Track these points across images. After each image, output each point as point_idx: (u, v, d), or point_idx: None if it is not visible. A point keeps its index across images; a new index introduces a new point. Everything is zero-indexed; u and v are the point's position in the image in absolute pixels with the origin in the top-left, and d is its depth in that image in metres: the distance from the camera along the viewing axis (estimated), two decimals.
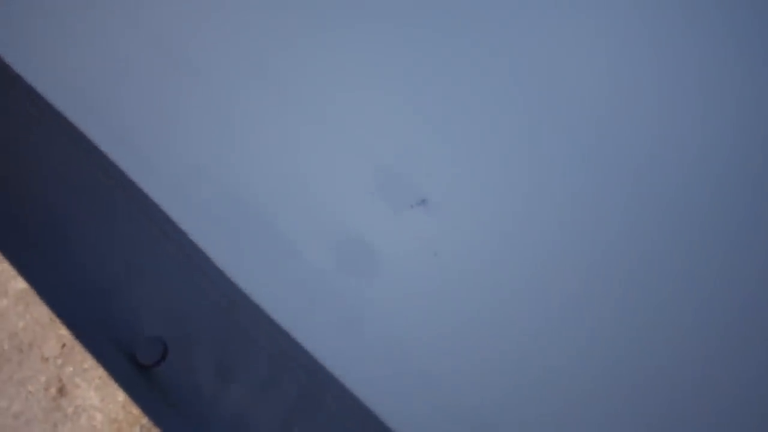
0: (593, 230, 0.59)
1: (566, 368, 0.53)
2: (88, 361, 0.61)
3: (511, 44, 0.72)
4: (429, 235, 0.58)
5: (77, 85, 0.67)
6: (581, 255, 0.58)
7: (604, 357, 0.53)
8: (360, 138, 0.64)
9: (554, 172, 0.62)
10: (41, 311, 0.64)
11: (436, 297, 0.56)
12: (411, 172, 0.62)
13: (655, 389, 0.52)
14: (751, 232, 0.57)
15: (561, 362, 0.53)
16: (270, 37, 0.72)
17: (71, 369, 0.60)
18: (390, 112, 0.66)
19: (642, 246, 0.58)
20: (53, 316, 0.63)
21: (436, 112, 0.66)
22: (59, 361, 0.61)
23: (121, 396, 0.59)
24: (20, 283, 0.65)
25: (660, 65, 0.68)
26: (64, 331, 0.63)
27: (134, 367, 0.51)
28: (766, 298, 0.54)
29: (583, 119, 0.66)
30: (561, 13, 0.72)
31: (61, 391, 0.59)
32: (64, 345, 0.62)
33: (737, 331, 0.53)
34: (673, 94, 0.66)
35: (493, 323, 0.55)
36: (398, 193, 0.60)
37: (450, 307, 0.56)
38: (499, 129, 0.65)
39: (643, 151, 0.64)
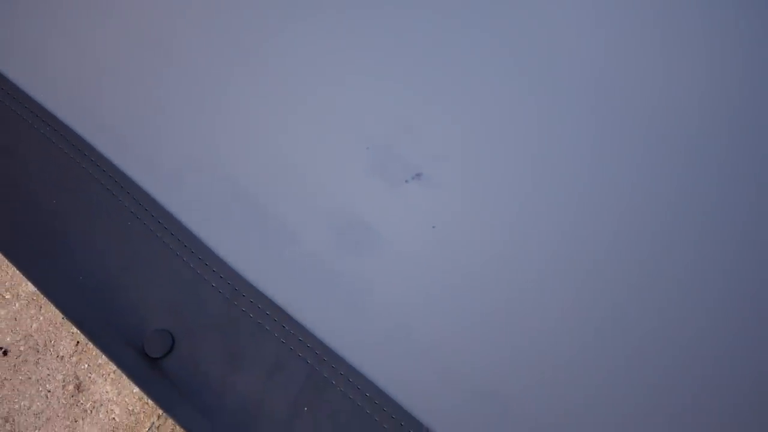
0: (588, 195, 0.59)
1: (567, 334, 0.53)
2: (102, 357, 0.62)
3: (505, 15, 0.70)
4: (426, 208, 0.58)
5: (65, 85, 0.67)
6: (579, 223, 0.57)
7: (603, 320, 0.53)
8: (351, 116, 0.63)
9: (550, 139, 0.62)
10: (53, 311, 0.65)
11: (436, 269, 0.56)
12: (404, 147, 0.61)
13: (665, 360, 0.52)
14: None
15: (562, 328, 0.53)
16: (256, 18, 0.72)
17: (86, 366, 0.62)
18: (379, 88, 0.66)
19: (647, 218, 0.58)
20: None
21: (426, 85, 0.66)
22: (74, 359, 0.62)
23: (136, 389, 0.61)
24: (31, 286, 0.67)
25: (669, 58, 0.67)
26: (76, 329, 0.64)
27: (144, 360, 0.52)
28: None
29: (580, 85, 0.65)
30: None
31: (79, 387, 0.61)
32: (77, 343, 0.63)
33: (748, 328, 0.53)
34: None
35: (494, 292, 0.55)
36: (392, 168, 0.60)
37: (451, 280, 0.56)
38: (491, 99, 0.64)
39: (647, 121, 0.63)
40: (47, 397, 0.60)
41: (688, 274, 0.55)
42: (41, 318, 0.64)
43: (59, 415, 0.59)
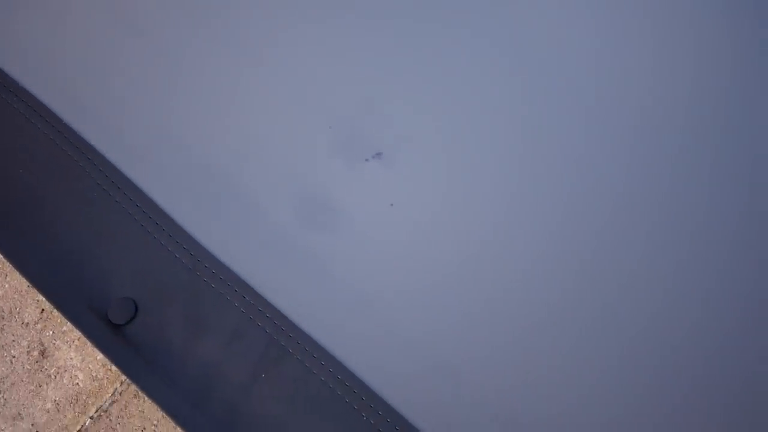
0: (553, 178, 0.61)
1: (524, 308, 0.55)
2: (67, 324, 0.64)
3: None
4: (385, 186, 0.61)
5: (35, 56, 0.68)
6: (542, 203, 0.60)
7: (574, 302, 0.56)
8: (315, 95, 0.65)
9: (514, 122, 0.64)
10: (18, 279, 0.66)
11: (394, 245, 0.59)
12: (367, 127, 0.63)
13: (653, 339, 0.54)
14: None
15: (514, 298, 0.56)
16: (222, 1, 0.72)
17: (51, 332, 0.63)
18: (344, 69, 0.67)
19: (621, 194, 0.60)
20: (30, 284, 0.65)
21: (391, 66, 0.68)
22: (39, 326, 0.64)
23: (100, 355, 0.62)
24: None
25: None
26: (41, 297, 0.65)
27: (108, 327, 0.54)
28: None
29: (548, 66, 0.67)
30: None
31: (43, 353, 0.62)
32: (42, 310, 0.65)
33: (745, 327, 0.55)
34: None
35: (450, 267, 0.58)
36: (353, 147, 0.62)
37: (408, 254, 0.58)
38: (455, 81, 0.67)
39: (624, 101, 0.65)
40: (11, 362, 0.61)
41: (666, 273, 0.57)
42: (6, 286, 0.65)
43: (23, 380, 0.60)
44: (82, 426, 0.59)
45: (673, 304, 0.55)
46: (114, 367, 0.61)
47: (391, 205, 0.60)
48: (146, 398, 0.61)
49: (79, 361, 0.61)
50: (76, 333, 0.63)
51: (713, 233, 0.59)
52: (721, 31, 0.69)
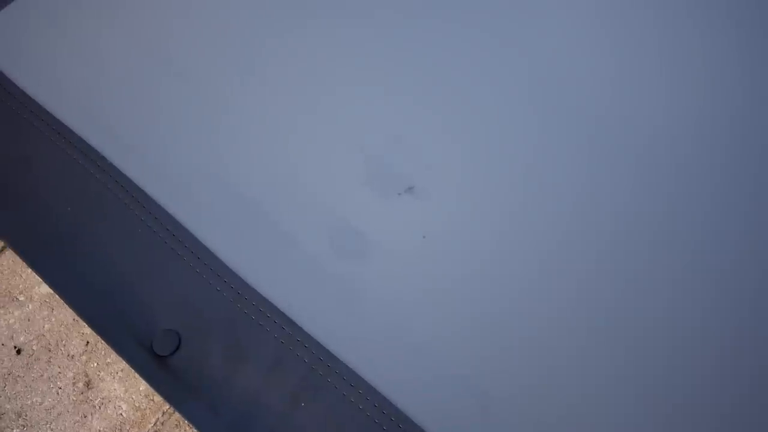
0: (577, 205, 0.63)
1: (556, 336, 0.56)
2: (111, 356, 0.66)
3: (496, 27, 0.75)
4: (417, 219, 0.62)
5: (76, 95, 0.71)
6: (568, 230, 0.61)
7: (591, 320, 0.57)
8: (349, 130, 0.68)
9: (540, 150, 0.66)
10: (65, 313, 0.69)
11: (427, 275, 0.60)
12: (398, 161, 0.66)
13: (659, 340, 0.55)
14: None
15: (550, 330, 0.57)
16: (256, 29, 0.76)
17: (95, 364, 0.65)
18: (376, 104, 0.70)
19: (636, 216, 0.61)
20: (76, 317, 0.68)
21: (419, 96, 0.70)
22: (84, 358, 0.66)
23: (143, 386, 0.64)
24: (44, 288, 0.70)
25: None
26: (86, 330, 0.68)
27: (152, 358, 0.56)
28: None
29: (570, 96, 0.69)
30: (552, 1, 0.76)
31: (88, 384, 0.64)
32: (87, 343, 0.67)
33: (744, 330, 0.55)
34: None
35: (483, 297, 0.59)
36: (387, 181, 0.64)
37: (440, 284, 0.60)
38: (481, 111, 0.69)
39: (639, 121, 0.67)
40: (58, 393, 0.63)
41: (670, 280, 0.58)
42: (53, 319, 0.68)
43: (69, 410, 0.62)
44: None
45: (679, 314, 0.56)
46: (156, 398, 0.63)
47: (424, 237, 0.61)
48: (188, 427, 0.62)
49: (123, 392, 0.63)
50: (120, 364, 0.65)
51: (715, 240, 0.60)
52: (727, 40, 0.71)
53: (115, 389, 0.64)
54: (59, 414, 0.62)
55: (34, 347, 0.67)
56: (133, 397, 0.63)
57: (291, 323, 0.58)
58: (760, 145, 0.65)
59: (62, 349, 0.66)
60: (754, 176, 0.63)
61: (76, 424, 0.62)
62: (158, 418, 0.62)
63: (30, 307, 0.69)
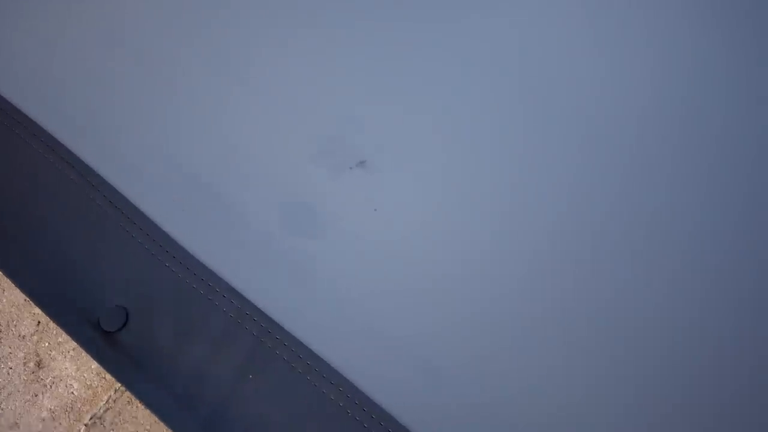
0: (530, 183, 0.63)
1: (519, 310, 0.56)
2: (62, 336, 0.65)
3: (451, 8, 0.74)
4: (369, 193, 0.62)
5: (27, 77, 0.70)
6: (521, 206, 0.61)
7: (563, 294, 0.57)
8: (298, 106, 0.67)
9: (492, 127, 0.66)
10: (16, 294, 0.68)
11: (378, 248, 0.60)
12: (349, 136, 0.66)
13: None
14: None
15: (501, 297, 0.57)
16: (209, 12, 0.75)
17: (47, 344, 0.65)
18: (330, 79, 0.70)
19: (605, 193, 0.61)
20: (27, 298, 0.67)
21: (374, 76, 0.70)
22: (35, 338, 0.65)
23: (95, 364, 0.64)
24: None
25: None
26: (37, 311, 0.67)
27: (100, 334, 0.56)
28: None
29: (527, 71, 0.69)
30: None
31: (39, 364, 0.64)
32: (39, 323, 0.66)
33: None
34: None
35: (432, 267, 0.59)
36: (337, 156, 0.64)
37: (392, 256, 0.60)
38: (436, 90, 0.69)
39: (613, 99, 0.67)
40: (8, 373, 0.63)
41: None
42: (4, 300, 0.67)
43: (20, 390, 0.62)
44: None
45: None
46: (108, 376, 0.63)
47: (375, 210, 0.61)
48: (139, 405, 0.62)
49: (74, 371, 0.63)
50: (72, 344, 0.64)
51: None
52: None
53: (66, 368, 0.63)
54: (9, 394, 0.62)
55: None
56: (85, 375, 0.63)
57: (239, 296, 0.58)
58: (753, 144, 0.65)
59: (13, 329, 0.66)
60: (747, 175, 0.63)
61: (27, 403, 0.61)
62: (110, 396, 0.62)
63: None
